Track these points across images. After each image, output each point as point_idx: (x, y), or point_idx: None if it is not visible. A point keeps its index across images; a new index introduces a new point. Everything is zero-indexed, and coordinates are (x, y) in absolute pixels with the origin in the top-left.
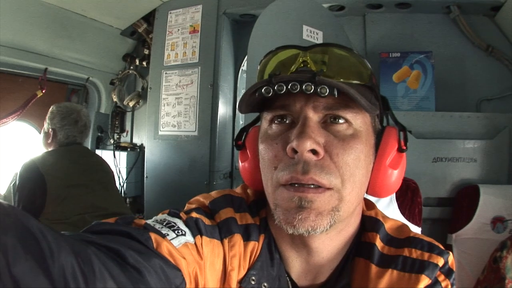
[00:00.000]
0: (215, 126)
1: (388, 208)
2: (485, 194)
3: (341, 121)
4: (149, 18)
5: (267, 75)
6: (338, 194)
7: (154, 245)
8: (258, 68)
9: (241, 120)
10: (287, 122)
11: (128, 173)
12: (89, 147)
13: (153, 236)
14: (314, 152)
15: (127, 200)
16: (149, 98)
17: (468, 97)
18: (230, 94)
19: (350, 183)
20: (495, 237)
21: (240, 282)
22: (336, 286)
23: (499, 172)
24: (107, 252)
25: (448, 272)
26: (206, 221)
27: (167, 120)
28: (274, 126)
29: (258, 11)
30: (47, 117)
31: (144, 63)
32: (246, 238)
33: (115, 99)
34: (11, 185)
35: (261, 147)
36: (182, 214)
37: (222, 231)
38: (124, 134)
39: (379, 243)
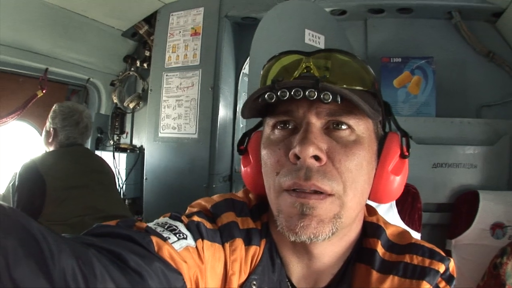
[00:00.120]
0: (215, 129)
1: (388, 213)
2: (484, 200)
3: (343, 127)
4: (150, 19)
5: (270, 80)
6: (340, 201)
7: (156, 248)
8: (261, 73)
9: (241, 123)
10: (290, 127)
11: (127, 175)
12: (89, 148)
13: (154, 239)
14: (316, 158)
15: (126, 201)
16: (149, 100)
17: (468, 103)
18: (230, 97)
19: (352, 190)
20: (494, 243)
21: (241, 286)
22: None
23: (499, 178)
24: (108, 255)
25: (449, 278)
26: (208, 225)
27: (167, 122)
28: (276, 131)
29: (259, 14)
30: (49, 116)
31: (145, 64)
32: (248, 243)
33: (115, 100)
34: (10, 184)
35: (264, 152)
36: (183, 218)
37: (224, 235)
38: (124, 135)
39: (380, 249)
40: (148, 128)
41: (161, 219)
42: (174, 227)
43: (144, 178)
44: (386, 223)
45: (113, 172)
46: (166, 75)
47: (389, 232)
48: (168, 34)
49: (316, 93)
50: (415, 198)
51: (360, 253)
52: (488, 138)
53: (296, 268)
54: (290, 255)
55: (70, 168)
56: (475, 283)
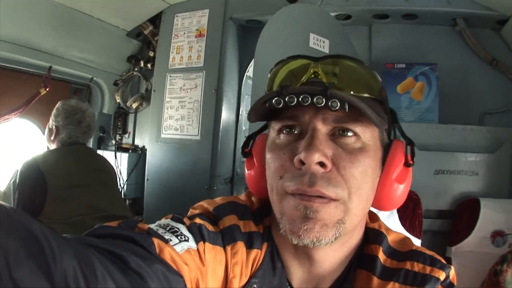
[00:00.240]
0: (218, 131)
1: (389, 219)
2: (485, 207)
3: (349, 134)
4: (155, 20)
5: (277, 85)
6: (344, 206)
7: (157, 250)
8: (268, 76)
9: (244, 126)
10: (296, 132)
11: (128, 175)
12: (91, 147)
13: (156, 241)
14: (321, 164)
15: (127, 201)
16: (152, 100)
17: (471, 110)
18: (234, 100)
19: (357, 196)
20: (494, 251)
21: None
22: None
23: (500, 186)
24: (109, 256)
25: (449, 286)
26: (210, 227)
27: (169, 123)
28: (282, 136)
29: (264, 17)
30: (52, 113)
31: (149, 65)
32: (249, 246)
33: (118, 100)
34: (11, 182)
35: (268, 156)
36: (185, 220)
37: (225, 238)
38: (126, 135)
39: (381, 256)
40: (150, 129)
41: (163, 221)
42: (176, 229)
43: (146, 178)
44: (388, 229)
45: (115, 172)
46: (170, 76)
47: (390, 238)
48: (173, 35)
49: (324, 100)
50: (416, 204)
51: (361, 259)
52: (490, 145)
53: (297, 273)
54: (291, 259)
55: (71, 167)
56: None
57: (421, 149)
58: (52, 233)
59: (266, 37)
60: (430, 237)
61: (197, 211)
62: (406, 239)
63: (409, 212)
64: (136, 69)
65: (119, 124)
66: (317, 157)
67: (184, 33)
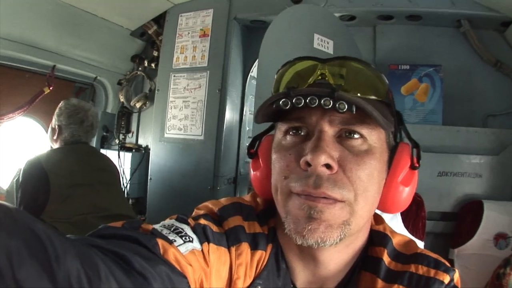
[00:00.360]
0: (221, 131)
1: (392, 221)
2: (488, 210)
3: (356, 136)
4: (159, 20)
5: (284, 86)
6: (350, 208)
7: (161, 251)
8: (275, 78)
9: (248, 126)
10: (302, 134)
11: (132, 174)
12: (94, 146)
13: (160, 242)
14: (328, 166)
15: (130, 201)
16: (156, 100)
17: (475, 111)
18: (237, 100)
19: (363, 198)
20: (497, 254)
21: None
22: None
23: (504, 188)
24: (113, 257)
25: None
26: (214, 228)
27: (173, 123)
28: (288, 137)
29: (269, 18)
30: (55, 113)
31: (153, 64)
32: (254, 247)
33: (122, 100)
34: (14, 180)
35: (274, 156)
36: (190, 220)
37: (230, 239)
38: (130, 135)
39: (386, 258)
40: (154, 128)
41: (168, 221)
42: (180, 229)
43: (149, 178)
44: (393, 232)
45: (118, 171)
46: (174, 76)
47: (395, 241)
48: (177, 35)
49: (331, 102)
50: (420, 206)
51: (365, 261)
52: (494, 147)
53: (301, 274)
54: (296, 261)
55: (74, 166)
56: None
57: (424, 151)
58: (55, 234)
59: (270, 37)
60: (433, 239)
61: (201, 212)
62: (410, 241)
63: (412, 214)
64: (140, 68)
65: (123, 123)
66: (323, 159)
67: (188, 33)
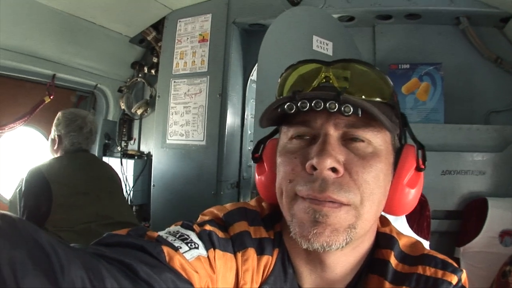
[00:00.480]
0: (223, 136)
1: (396, 222)
2: (493, 207)
3: (361, 140)
4: (158, 26)
5: (287, 89)
6: (356, 211)
7: (167, 258)
8: (278, 81)
9: (249, 130)
10: (307, 137)
11: (135, 181)
12: (96, 154)
13: (165, 249)
14: (333, 170)
15: (133, 208)
16: (157, 106)
17: (477, 109)
18: (238, 104)
19: (370, 201)
20: (503, 251)
21: None
22: None
23: (508, 185)
24: (118, 265)
25: None
26: (220, 234)
27: (175, 129)
28: (294, 141)
29: (267, 21)
30: (53, 124)
31: (153, 71)
32: (260, 252)
33: (123, 107)
34: (17, 190)
35: (279, 160)
36: (195, 226)
37: (236, 245)
38: (132, 141)
39: (393, 261)
40: (155, 135)
41: (173, 228)
42: (186, 236)
43: (152, 184)
44: (399, 233)
45: (120, 179)
46: (174, 82)
47: (402, 243)
48: (176, 41)
49: (336, 105)
50: (424, 206)
51: (372, 264)
52: (497, 144)
53: (308, 278)
54: (303, 265)
55: (76, 174)
56: None
57: (427, 150)
58: (59, 243)
59: (269, 40)
60: (438, 238)
61: (207, 218)
62: (417, 243)
63: (417, 214)
64: (140, 75)
65: (124, 130)
66: (329, 162)
67: (187, 38)
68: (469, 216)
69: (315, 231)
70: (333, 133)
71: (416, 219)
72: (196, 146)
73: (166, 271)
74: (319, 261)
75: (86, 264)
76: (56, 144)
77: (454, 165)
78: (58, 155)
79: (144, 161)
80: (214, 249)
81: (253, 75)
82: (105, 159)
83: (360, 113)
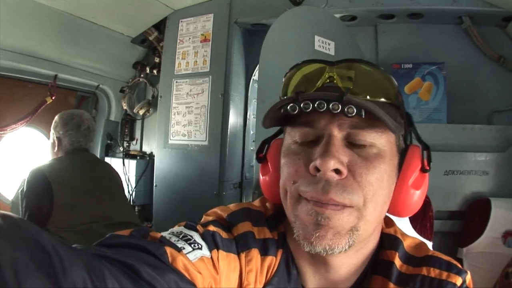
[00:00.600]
0: (226, 136)
1: (400, 222)
2: (496, 207)
3: (365, 142)
4: (160, 26)
5: (292, 89)
6: (358, 213)
7: (170, 259)
8: (283, 81)
9: (252, 130)
10: (311, 138)
11: (137, 181)
12: (98, 155)
13: (168, 250)
14: (337, 171)
15: (136, 208)
16: (159, 106)
17: (479, 108)
18: (241, 104)
19: (373, 203)
20: (506, 252)
21: None
22: None
23: (511, 185)
24: (120, 266)
25: None
26: (223, 234)
27: (177, 129)
28: (297, 141)
29: (269, 21)
30: (51, 127)
31: (155, 71)
32: (264, 253)
33: (125, 107)
34: (19, 191)
35: (283, 161)
36: (199, 227)
37: (239, 245)
38: (134, 142)
39: (397, 262)
40: (158, 135)
41: (176, 228)
42: (189, 236)
43: (154, 185)
44: (404, 234)
45: (121, 179)
46: (176, 82)
47: (406, 244)
48: (178, 41)
49: (340, 106)
50: (427, 206)
51: (376, 265)
52: (500, 144)
53: (312, 279)
54: (306, 266)
55: (77, 175)
56: None
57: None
58: (61, 244)
59: (271, 40)
60: (441, 238)
61: (210, 218)
62: (422, 244)
63: (420, 215)
64: (142, 75)
65: (127, 131)
66: (332, 164)
67: (189, 38)
68: (472, 217)
69: (317, 234)
70: (337, 134)
71: (419, 219)
72: (198, 146)
73: (169, 272)
74: (323, 262)
75: (88, 265)
76: (56, 147)
77: (457, 165)
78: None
79: (146, 162)
80: (217, 250)
81: (255, 75)
82: (107, 159)
83: (363, 114)
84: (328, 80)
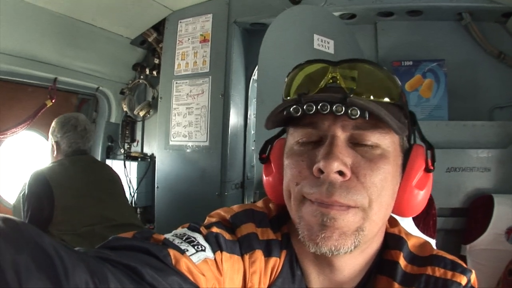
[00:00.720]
0: (227, 136)
1: (403, 221)
2: (499, 204)
3: (369, 143)
4: (159, 27)
5: (294, 90)
6: (363, 213)
7: (173, 261)
8: (285, 81)
9: (252, 129)
10: (314, 139)
11: (138, 183)
12: (99, 157)
13: (171, 252)
14: (340, 173)
15: (138, 210)
16: (159, 108)
17: (481, 105)
18: (241, 104)
19: (377, 204)
20: (509, 248)
21: None
22: None
23: None
24: (123, 269)
25: None
26: (227, 236)
27: (178, 130)
28: (301, 142)
29: (268, 20)
30: (49, 133)
31: (154, 72)
32: (267, 254)
33: (125, 109)
34: (21, 195)
35: (287, 162)
36: (202, 229)
37: (243, 247)
38: (135, 143)
39: (402, 262)
40: (158, 136)
41: (180, 230)
42: (193, 238)
43: (156, 186)
44: (408, 234)
45: (120, 180)
46: (176, 83)
47: (410, 243)
48: (177, 42)
49: (343, 108)
50: (430, 204)
51: (381, 265)
52: (501, 140)
53: (316, 280)
54: (311, 267)
55: (77, 177)
56: None
57: None
58: (63, 247)
59: (269, 39)
60: (444, 235)
61: (214, 219)
62: (426, 243)
63: (423, 213)
64: (142, 77)
65: (127, 132)
66: (336, 165)
67: (189, 39)
68: (474, 214)
69: (323, 235)
70: (340, 135)
71: (422, 217)
72: (199, 147)
73: (172, 274)
74: (328, 263)
75: (91, 268)
76: (55, 151)
77: (459, 162)
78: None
79: (147, 163)
80: (221, 252)
81: (255, 75)
82: (108, 161)
83: (367, 116)
84: (331, 81)
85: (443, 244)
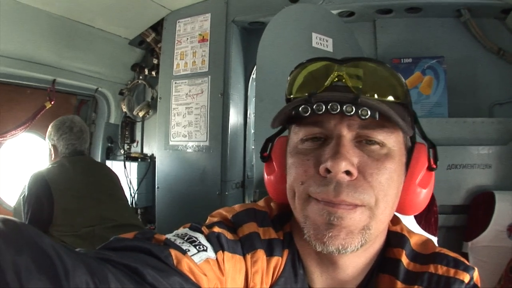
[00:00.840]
0: (226, 136)
1: (404, 218)
2: (500, 200)
3: (375, 142)
4: (157, 27)
5: (297, 88)
6: (370, 212)
7: (174, 262)
8: (288, 79)
9: (252, 129)
10: (320, 138)
11: (139, 184)
12: (99, 158)
13: (173, 252)
14: (347, 172)
15: (138, 211)
16: (159, 108)
17: (480, 101)
18: (240, 103)
19: (384, 203)
20: (511, 244)
21: None
22: None
23: None
24: (124, 270)
25: None
26: (229, 236)
27: (177, 130)
28: (306, 141)
29: (267, 19)
30: (46, 137)
31: (153, 72)
32: (269, 254)
33: (124, 109)
34: (21, 197)
35: (290, 161)
36: (204, 229)
37: (245, 246)
38: (135, 144)
39: (404, 260)
40: (158, 136)
41: (181, 230)
42: (194, 238)
43: (156, 186)
44: (410, 232)
45: (119, 180)
46: (175, 83)
47: (413, 241)
48: (176, 41)
49: (353, 108)
50: (431, 201)
51: (383, 263)
52: (502, 137)
53: (319, 279)
54: (313, 266)
55: (77, 177)
56: (492, 286)
57: None
58: (63, 248)
59: (268, 38)
60: (445, 233)
61: (215, 219)
62: (428, 241)
63: (424, 210)
64: (140, 77)
65: (127, 133)
66: (343, 165)
67: (187, 38)
68: (476, 210)
69: (330, 234)
70: (347, 134)
71: (424, 215)
72: (199, 147)
73: (174, 274)
74: (331, 262)
75: (91, 269)
76: (53, 154)
77: (459, 159)
78: None
79: (147, 164)
80: (223, 251)
81: (255, 74)
82: (108, 162)
83: (377, 117)
84: (336, 79)
85: (445, 242)
